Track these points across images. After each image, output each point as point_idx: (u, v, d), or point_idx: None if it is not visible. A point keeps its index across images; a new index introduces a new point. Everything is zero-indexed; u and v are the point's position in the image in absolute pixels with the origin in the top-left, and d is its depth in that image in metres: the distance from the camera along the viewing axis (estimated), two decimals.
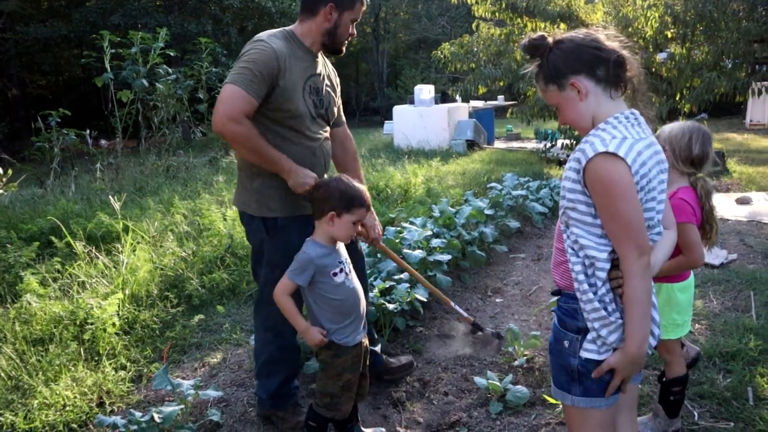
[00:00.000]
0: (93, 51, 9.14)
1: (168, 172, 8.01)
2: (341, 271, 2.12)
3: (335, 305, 2.11)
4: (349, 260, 2.21)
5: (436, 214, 4.88)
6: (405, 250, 3.86)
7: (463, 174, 7.95)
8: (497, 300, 4.17)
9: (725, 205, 6.46)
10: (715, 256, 4.62)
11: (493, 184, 6.61)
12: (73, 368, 2.89)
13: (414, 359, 3.12)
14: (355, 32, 2.49)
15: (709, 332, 3.34)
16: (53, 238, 4.40)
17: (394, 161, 8.98)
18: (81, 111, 15.37)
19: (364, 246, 3.10)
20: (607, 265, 1.48)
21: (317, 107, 2.43)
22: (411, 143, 11.33)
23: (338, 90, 2.64)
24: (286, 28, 2.42)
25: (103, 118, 9.59)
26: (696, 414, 2.56)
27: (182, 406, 2.39)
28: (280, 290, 2.07)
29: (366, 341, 2.26)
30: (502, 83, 9.42)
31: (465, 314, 3.47)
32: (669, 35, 8.34)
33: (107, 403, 2.72)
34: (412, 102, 12.35)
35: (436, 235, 4.40)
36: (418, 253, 3.80)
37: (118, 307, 3.40)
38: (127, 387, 2.87)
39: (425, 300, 3.54)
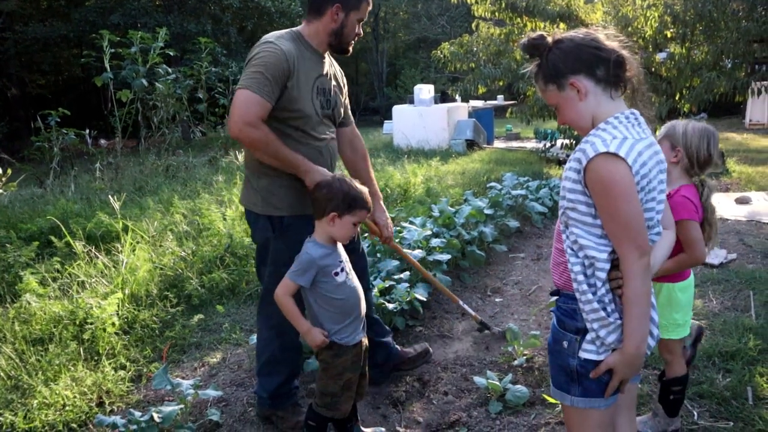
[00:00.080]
0: (92, 50, 9.14)
1: (167, 171, 8.01)
2: (342, 270, 2.13)
3: (337, 305, 2.11)
4: (348, 259, 2.21)
5: (436, 213, 4.88)
6: (405, 250, 3.86)
7: (463, 174, 7.95)
8: (497, 299, 4.17)
9: (725, 205, 6.46)
10: (715, 255, 4.62)
11: (493, 184, 6.61)
12: (72, 368, 2.89)
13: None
14: (362, 32, 2.51)
15: (708, 332, 3.34)
16: (53, 237, 4.40)
17: (393, 161, 8.99)
18: (80, 111, 15.38)
19: (365, 245, 3.10)
20: (607, 266, 1.48)
21: (324, 108, 2.44)
22: (410, 143, 11.33)
23: (345, 90, 2.65)
24: (294, 29, 2.43)
25: (103, 117, 9.60)
26: (695, 413, 2.56)
27: (182, 406, 2.39)
28: (282, 291, 2.07)
29: (365, 340, 2.27)
30: (501, 83, 9.42)
31: (473, 313, 3.51)
32: (668, 35, 8.34)
33: (107, 402, 2.72)
34: (411, 102, 12.34)
35: (436, 235, 4.40)
36: (418, 253, 3.80)
37: (118, 306, 3.40)
38: (127, 387, 2.87)
39: (425, 300, 3.55)
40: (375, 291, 3.30)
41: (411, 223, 4.60)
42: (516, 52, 8.98)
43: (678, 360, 2.33)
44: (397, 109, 12.35)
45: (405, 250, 3.85)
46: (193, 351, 3.32)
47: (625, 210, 1.42)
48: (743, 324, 3.33)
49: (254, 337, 3.07)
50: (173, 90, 9.00)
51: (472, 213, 4.91)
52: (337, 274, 2.10)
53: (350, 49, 2.49)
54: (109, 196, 5.12)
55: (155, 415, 2.23)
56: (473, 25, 10.21)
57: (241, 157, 8.23)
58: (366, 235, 3.68)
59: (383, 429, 2.54)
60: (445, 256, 3.94)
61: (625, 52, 1.52)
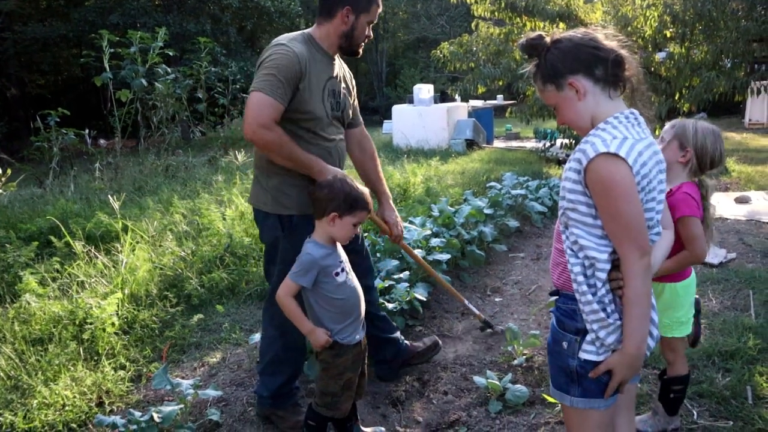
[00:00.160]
0: (92, 50, 9.14)
1: (167, 171, 8.00)
2: (342, 270, 2.13)
3: (338, 305, 2.11)
4: (347, 259, 2.21)
5: (436, 213, 4.88)
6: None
7: (463, 173, 7.95)
8: (496, 299, 4.17)
9: (724, 204, 6.47)
10: (714, 255, 4.62)
11: (493, 184, 6.61)
12: (72, 368, 2.89)
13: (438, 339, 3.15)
14: (371, 34, 2.53)
15: (708, 331, 3.34)
16: (52, 237, 4.40)
17: (393, 160, 8.98)
18: (80, 110, 15.37)
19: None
20: (608, 266, 1.48)
21: (334, 110, 2.46)
22: (410, 142, 11.33)
23: (354, 91, 2.68)
24: (304, 31, 2.45)
25: (102, 117, 9.59)
26: (695, 413, 2.56)
27: (182, 406, 2.39)
28: (284, 292, 2.07)
29: (365, 339, 2.27)
30: (501, 82, 9.41)
31: (477, 312, 3.54)
32: (668, 34, 8.34)
33: (107, 402, 2.72)
34: (411, 101, 12.33)
35: (436, 235, 4.40)
36: (418, 253, 3.79)
37: (118, 306, 3.39)
38: (127, 387, 2.87)
39: (425, 299, 3.55)
40: None
41: (411, 222, 4.60)
42: (515, 52, 8.98)
43: (680, 359, 2.33)
44: (397, 109, 12.35)
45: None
46: (193, 351, 3.32)
47: (626, 210, 1.42)
48: (743, 323, 3.33)
49: (254, 337, 3.07)
50: (173, 90, 9.00)
51: (472, 213, 4.91)
52: (337, 274, 2.11)
53: (360, 51, 2.52)
54: (109, 196, 5.12)
55: (155, 415, 2.23)
56: (473, 25, 10.21)
57: (240, 157, 8.23)
58: (366, 234, 3.69)
59: (383, 429, 2.54)
60: (445, 256, 3.94)
61: (623, 52, 1.52)
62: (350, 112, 2.63)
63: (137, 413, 2.26)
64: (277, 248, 2.46)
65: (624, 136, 1.46)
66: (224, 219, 4.89)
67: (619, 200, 1.42)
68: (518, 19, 9.16)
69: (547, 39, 1.55)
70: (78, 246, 4.11)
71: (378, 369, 2.96)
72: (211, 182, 6.91)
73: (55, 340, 3.13)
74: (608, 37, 1.54)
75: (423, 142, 11.28)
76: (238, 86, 12.87)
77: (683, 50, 8.21)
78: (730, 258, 4.64)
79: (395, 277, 3.61)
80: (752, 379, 2.76)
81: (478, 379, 2.82)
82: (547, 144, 10.54)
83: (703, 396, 2.68)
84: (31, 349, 3.04)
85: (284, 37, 2.37)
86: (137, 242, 4.34)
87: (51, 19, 18.23)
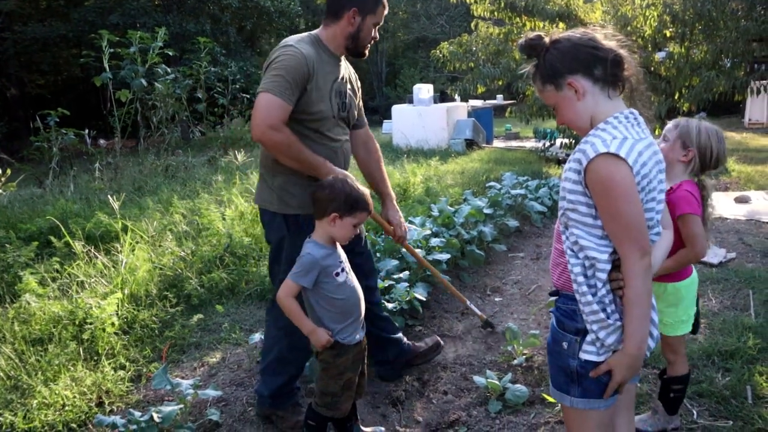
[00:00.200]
0: (92, 50, 9.13)
1: (167, 171, 8.00)
2: (342, 270, 2.13)
3: (338, 305, 2.11)
4: (347, 259, 2.21)
5: (435, 213, 4.88)
6: (404, 250, 3.86)
7: (462, 173, 7.95)
8: (496, 299, 4.17)
9: (724, 204, 6.47)
10: (714, 254, 4.62)
11: (492, 183, 6.61)
12: (72, 368, 2.89)
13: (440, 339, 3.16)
14: (378, 36, 2.55)
15: (708, 331, 3.34)
16: (52, 237, 4.39)
17: (393, 160, 8.98)
18: (80, 110, 15.36)
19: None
20: (608, 267, 1.47)
21: (341, 110, 2.48)
22: (410, 142, 11.32)
23: (359, 93, 2.70)
24: (312, 32, 2.47)
25: (102, 117, 9.58)
26: (695, 412, 2.56)
27: (181, 406, 2.39)
28: (284, 293, 2.07)
29: (365, 339, 2.27)
30: (500, 82, 9.41)
31: (479, 312, 3.56)
32: (668, 34, 8.34)
33: (106, 402, 2.72)
34: (410, 101, 12.33)
35: (435, 235, 4.40)
36: (417, 253, 3.79)
37: (117, 306, 3.39)
38: (127, 387, 2.87)
39: (424, 299, 3.55)
40: None
41: (411, 222, 4.60)
42: (515, 52, 8.98)
43: (681, 359, 2.33)
44: (397, 109, 12.35)
45: (404, 250, 3.86)
46: (193, 351, 3.32)
47: (627, 210, 1.42)
48: (742, 323, 3.34)
49: (254, 337, 3.07)
50: (172, 90, 8.99)
51: (472, 212, 4.91)
52: (337, 274, 2.11)
53: (366, 52, 2.54)
54: (109, 196, 5.11)
55: (155, 415, 2.23)
56: (472, 25, 10.21)
57: (240, 156, 8.23)
58: (366, 234, 3.68)
59: (383, 428, 2.54)
60: (445, 256, 3.94)
61: (622, 51, 1.52)
62: (356, 112, 2.66)
63: (137, 413, 2.26)
64: (282, 248, 2.47)
65: (624, 136, 1.46)
66: (224, 219, 4.89)
67: (619, 200, 1.42)
68: (518, 19, 9.16)
69: (546, 39, 1.55)
70: (78, 246, 4.11)
71: (379, 369, 2.96)
72: (210, 182, 6.91)
73: (54, 340, 3.13)
74: (607, 37, 1.54)
75: (423, 142, 11.28)
76: (237, 86, 12.87)
77: (683, 50, 8.21)
78: (729, 257, 4.65)
79: (395, 276, 3.61)
80: (752, 378, 2.77)
81: (478, 379, 2.82)
82: (547, 144, 10.54)
83: (703, 395, 2.68)
84: (31, 349, 3.04)
85: (292, 39, 2.39)
86: (137, 242, 4.34)
87: (51, 19, 18.21)
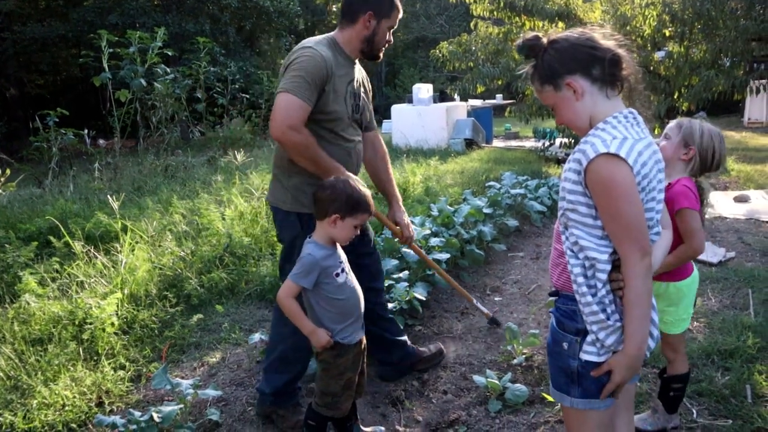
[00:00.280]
0: (91, 50, 9.10)
1: (166, 171, 7.99)
2: (342, 271, 2.13)
3: (338, 305, 2.12)
4: (347, 260, 2.22)
5: (435, 213, 4.88)
6: (404, 249, 3.87)
7: (462, 173, 7.95)
8: (496, 299, 4.18)
9: (723, 203, 6.47)
10: (714, 253, 4.63)
11: (492, 183, 6.61)
12: (72, 368, 2.89)
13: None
14: (392, 39, 2.60)
15: (707, 330, 3.35)
16: (52, 237, 4.39)
17: (392, 160, 8.91)
18: (79, 111, 15.37)
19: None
20: (608, 267, 1.47)
21: (354, 112, 2.52)
22: (409, 142, 11.32)
23: (370, 95, 2.74)
24: (328, 35, 2.51)
25: (102, 117, 9.57)
26: (694, 411, 2.57)
27: (181, 406, 2.39)
28: (285, 293, 2.07)
29: (364, 339, 2.27)
30: (500, 82, 9.42)
31: (485, 310, 3.60)
32: (667, 33, 8.34)
33: (106, 402, 2.72)
34: (410, 101, 12.33)
35: (435, 234, 4.40)
36: None
37: (117, 306, 3.39)
38: (126, 387, 2.87)
39: (424, 299, 3.55)
40: None
41: (410, 222, 4.60)
42: (514, 51, 8.97)
43: (680, 357, 2.34)
44: (396, 109, 12.35)
45: (404, 250, 3.86)
46: (193, 351, 3.32)
47: (627, 211, 1.42)
48: (742, 322, 3.34)
49: (254, 337, 3.07)
50: (172, 90, 8.98)
51: (471, 212, 4.92)
52: (337, 275, 2.11)
53: (381, 55, 2.58)
54: (108, 196, 5.11)
55: (155, 415, 2.23)
56: (472, 24, 10.21)
57: (240, 156, 8.23)
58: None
59: (383, 428, 2.54)
60: (444, 256, 3.94)
61: (621, 51, 1.52)
62: (368, 115, 2.70)
63: (137, 413, 2.27)
64: (295, 246, 2.48)
65: (624, 136, 1.46)
66: (223, 219, 4.88)
67: (619, 201, 1.42)
68: (517, 19, 9.17)
69: (544, 40, 1.55)
70: (77, 246, 4.11)
71: (381, 370, 2.97)
72: (210, 182, 6.91)
73: (54, 340, 3.13)
74: (605, 37, 1.54)
75: (422, 142, 11.28)
76: (237, 86, 12.86)
77: (682, 49, 8.22)
78: (729, 257, 4.65)
79: (394, 276, 3.61)
80: (751, 377, 2.77)
81: (478, 379, 2.82)
82: (547, 143, 10.54)
83: (703, 395, 2.68)
84: (31, 349, 3.04)
85: (311, 41, 2.43)
86: (136, 242, 4.34)
87: (50, 19, 18.21)
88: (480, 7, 9.19)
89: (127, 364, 3.05)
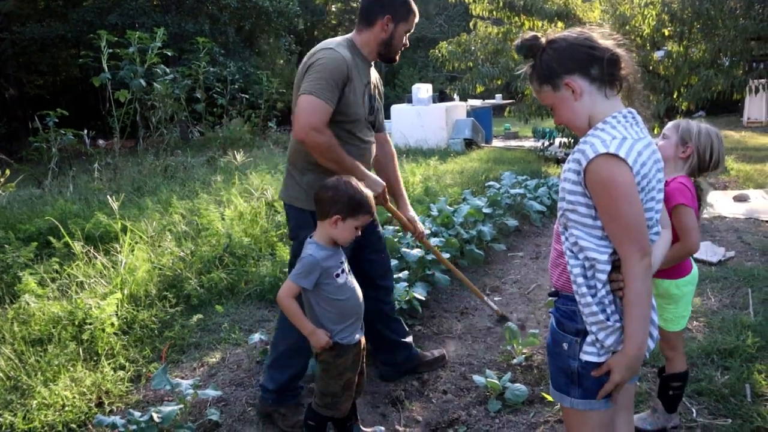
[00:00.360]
0: (90, 51, 9.10)
1: (166, 171, 7.99)
2: (342, 271, 2.13)
3: (339, 306, 2.12)
4: (347, 260, 2.22)
5: (435, 213, 4.89)
6: (403, 249, 3.87)
7: (461, 173, 7.95)
8: (496, 298, 4.17)
9: (723, 203, 6.48)
10: (713, 253, 4.63)
11: (492, 183, 6.61)
12: (71, 368, 2.89)
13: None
14: (408, 43, 2.64)
15: (707, 329, 3.35)
16: (51, 238, 4.39)
17: None
18: (78, 111, 15.38)
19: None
20: (608, 267, 1.47)
21: (370, 113, 2.57)
22: (409, 142, 11.33)
23: (382, 96, 2.78)
24: (346, 36, 2.55)
25: (101, 118, 9.57)
26: (694, 411, 2.57)
27: (181, 406, 2.39)
28: (285, 293, 2.07)
29: (364, 338, 2.27)
30: (499, 82, 9.42)
31: (495, 307, 3.63)
32: (666, 33, 8.34)
33: (106, 403, 2.73)
34: (409, 101, 12.34)
35: (435, 234, 4.40)
36: (417, 252, 3.80)
37: (117, 307, 3.39)
38: (126, 387, 2.87)
39: (424, 299, 3.55)
40: None
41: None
42: (514, 51, 8.96)
43: (679, 356, 2.34)
44: (396, 109, 12.35)
45: (403, 249, 3.86)
46: (193, 351, 3.32)
47: (627, 211, 1.42)
48: (741, 321, 3.34)
49: (253, 337, 3.08)
50: (171, 90, 8.97)
51: (471, 212, 4.92)
52: (338, 275, 2.11)
53: (397, 58, 2.64)
54: (108, 197, 5.11)
55: (155, 415, 2.23)
56: (471, 24, 10.21)
57: (239, 157, 8.23)
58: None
59: (383, 428, 2.54)
60: (444, 255, 3.93)
61: (619, 51, 1.51)
62: (381, 116, 2.75)
63: (137, 413, 2.27)
64: None
65: (623, 136, 1.46)
66: (223, 219, 4.89)
67: (619, 201, 1.42)
68: (516, 18, 9.16)
69: (543, 39, 1.55)
70: (77, 246, 4.11)
71: (382, 370, 2.98)
72: (209, 182, 6.91)
73: (54, 341, 3.13)
74: (604, 36, 1.53)
75: (422, 142, 11.28)
76: (236, 86, 12.85)
77: (681, 49, 8.22)
78: (728, 256, 4.65)
79: (394, 276, 3.60)
80: (751, 377, 2.77)
81: (478, 378, 2.82)
82: (546, 143, 10.55)
83: (702, 394, 2.68)
84: (31, 349, 3.04)
85: (331, 42, 2.46)
86: (136, 242, 4.34)
87: (49, 19, 18.21)
88: (479, 6, 9.19)
89: (127, 364, 3.05)
